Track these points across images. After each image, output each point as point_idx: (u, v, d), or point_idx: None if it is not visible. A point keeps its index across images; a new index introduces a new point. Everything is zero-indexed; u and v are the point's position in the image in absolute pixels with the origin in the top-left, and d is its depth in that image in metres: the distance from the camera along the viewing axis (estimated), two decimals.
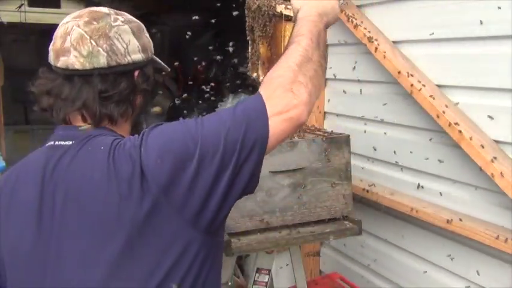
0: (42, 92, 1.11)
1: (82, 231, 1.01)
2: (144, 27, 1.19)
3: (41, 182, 1.06)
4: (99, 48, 1.07)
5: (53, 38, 1.12)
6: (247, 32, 1.48)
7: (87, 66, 1.07)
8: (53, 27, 1.14)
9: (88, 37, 1.07)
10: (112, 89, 1.10)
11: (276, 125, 1.01)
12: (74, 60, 1.08)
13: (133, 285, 1.01)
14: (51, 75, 1.11)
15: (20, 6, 5.13)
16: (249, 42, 1.67)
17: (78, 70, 1.08)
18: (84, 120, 1.11)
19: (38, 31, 5.21)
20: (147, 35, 1.19)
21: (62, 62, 1.09)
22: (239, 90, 3.93)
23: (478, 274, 1.80)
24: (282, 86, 1.03)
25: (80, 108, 1.09)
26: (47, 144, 1.12)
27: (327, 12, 1.21)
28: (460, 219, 1.77)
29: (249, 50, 1.83)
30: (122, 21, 1.12)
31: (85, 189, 1.02)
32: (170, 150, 0.98)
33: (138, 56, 1.13)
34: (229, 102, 3.81)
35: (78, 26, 1.09)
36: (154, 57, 1.22)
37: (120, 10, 1.17)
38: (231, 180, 1.00)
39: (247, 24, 1.52)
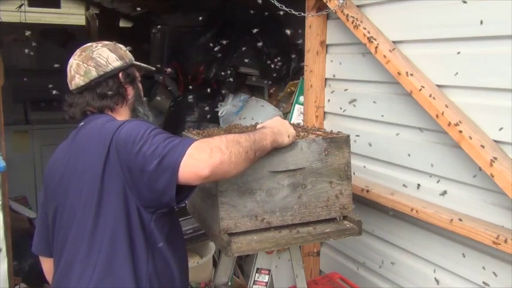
0: (68, 105, 1.70)
1: (81, 168, 1.54)
2: (120, 46, 1.77)
3: (68, 145, 1.65)
4: (89, 67, 1.65)
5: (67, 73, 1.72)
6: None
7: (87, 80, 1.65)
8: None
9: (81, 63, 1.66)
10: (105, 88, 1.66)
11: (186, 162, 1.36)
12: (78, 81, 1.66)
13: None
14: (70, 96, 1.70)
15: (20, 6, 5.13)
16: None
17: (83, 85, 1.66)
18: (91, 112, 1.68)
19: (38, 31, 5.20)
20: (124, 49, 1.76)
21: (73, 85, 1.68)
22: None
23: (478, 274, 1.80)
24: (207, 143, 1.40)
25: (85, 106, 1.67)
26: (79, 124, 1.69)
27: (281, 132, 1.63)
28: (460, 219, 1.77)
29: None
30: (101, 46, 1.70)
31: (86, 144, 1.57)
32: (132, 132, 1.46)
33: (117, 63, 1.69)
34: (229, 103, 3.80)
35: (75, 59, 1.68)
36: (136, 62, 1.77)
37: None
38: (153, 174, 1.39)
39: None
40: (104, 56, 1.67)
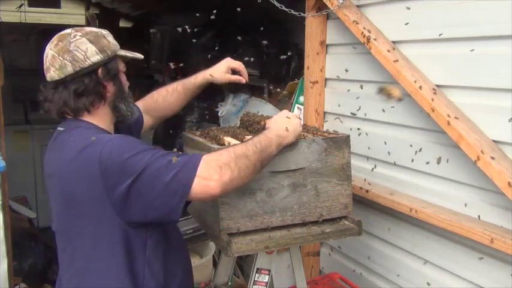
0: (43, 99, 1.57)
1: (54, 178, 1.52)
2: (104, 33, 1.59)
3: (49, 149, 1.57)
4: (65, 61, 1.49)
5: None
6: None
7: (62, 75, 1.50)
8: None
9: (57, 55, 1.50)
10: (81, 87, 1.51)
11: (197, 184, 1.37)
12: (53, 74, 1.51)
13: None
14: (46, 88, 1.56)
15: (20, 6, 5.14)
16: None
17: (58, 80, 1.51)
18: (68, 114, 1.56)
19: (38, 31, 5.21)
20: (109, 38, 1.58)
21: (48, 77, 1.54)
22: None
23: (478, 274, 1.80)
24: (216, 161, 1.40)
25: (62, 106, 1.53)
26: (57, 128, 1.59)
27: (286, 135, 1.61)
28: (459, 220, 1.77)
29: None
30: (80, 35, 1.53)
31: (65, 172, 1.47)
32: (128, 161, 1.38)
33: (97, 58, 1.52)
34: (229, 103, 3.80)
35: (51, 49, 1.53)
36: (121, 53, 1.60)
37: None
38: (161, 196, 1.37)
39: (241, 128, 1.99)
40: (82, 49, 1.50)
